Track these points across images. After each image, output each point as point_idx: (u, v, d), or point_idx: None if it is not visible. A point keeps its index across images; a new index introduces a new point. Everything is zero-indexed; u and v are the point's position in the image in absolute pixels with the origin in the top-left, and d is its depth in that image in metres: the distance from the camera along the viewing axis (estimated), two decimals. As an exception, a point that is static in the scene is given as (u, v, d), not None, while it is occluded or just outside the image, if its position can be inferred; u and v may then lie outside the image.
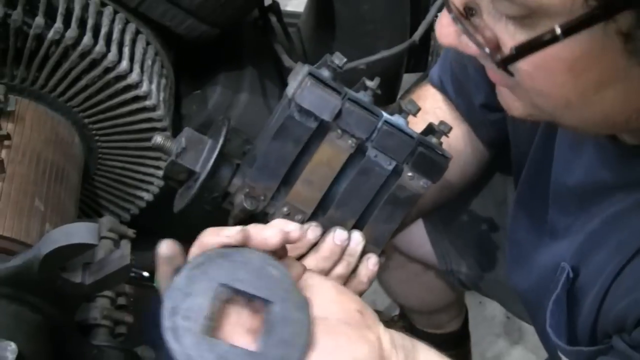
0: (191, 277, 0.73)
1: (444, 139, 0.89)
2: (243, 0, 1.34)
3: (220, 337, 0.72)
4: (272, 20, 1.56)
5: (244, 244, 0.74)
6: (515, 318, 1.97)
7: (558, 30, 0.61)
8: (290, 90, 0.81)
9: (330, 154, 0.83)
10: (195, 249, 0.76)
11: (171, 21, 1.25)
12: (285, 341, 0.73)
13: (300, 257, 0.85)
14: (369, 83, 0.84)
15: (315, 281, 0.78)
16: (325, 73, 0.82)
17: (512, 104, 0.76)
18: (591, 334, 0.86)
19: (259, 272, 0.75)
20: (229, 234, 0.73)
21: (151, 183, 1.33)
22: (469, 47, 0.69)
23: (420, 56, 1.63)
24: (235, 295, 0.74)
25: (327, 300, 0.76)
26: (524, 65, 0.66)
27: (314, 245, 0.86)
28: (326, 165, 0.84)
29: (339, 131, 0.82)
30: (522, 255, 1.06)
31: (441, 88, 1.14)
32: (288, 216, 0.85)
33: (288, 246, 0.80)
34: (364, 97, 0.84)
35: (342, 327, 0.75)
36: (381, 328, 0.79)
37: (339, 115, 0.81)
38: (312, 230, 0.85)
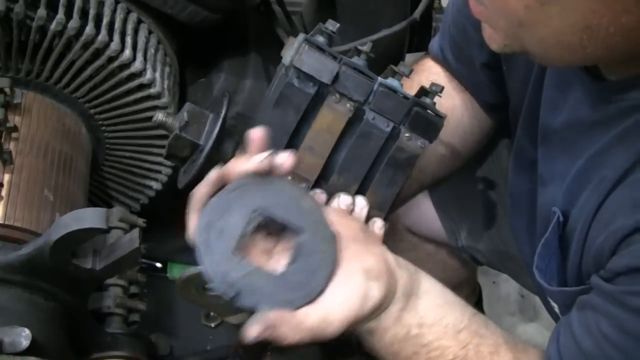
0: (228, 200, 0.76)
1: (441, 105, 0.90)
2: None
3: (248, 258, 0.75)
4: (275, 7, 1.55)
5: (270, 170, 0.78)
6: (529, 296, 1.98)
7: None
8: (287, 58, 0.83)
9: (330, 119, 0.85)
10: (215, 174, 0.79)
11: (172, 9, 1.25)
12: (310, 270, 0.75)
13: None
14: (362, 47, 0.86)
15: None
16: (320, 39, 0.83)
17: (491, 37, 0.79)
18: (577, 275, 0.87)
19: (292, 202, 0.78)
20: (259, 159, 0.78)
21: (159, 172, 1.34)
22: None
23: (423, 36, 1.62)
24: (268, 221, 0.76)
25: (332, 222, 0.80)
26: None
27: None
28: (326, 131, 0.85)
29: (337, 95, 0.84)
30: (522, 206, 1.07)
31: (441, 57, 1.15)
32: None
33: None
34: (358, 61, 0.85)
35: (348, 242, 0.79)
36: (385, 248, 0.84)
37: (336, 79, 0.82)
38: (317, 197, 0.86)
